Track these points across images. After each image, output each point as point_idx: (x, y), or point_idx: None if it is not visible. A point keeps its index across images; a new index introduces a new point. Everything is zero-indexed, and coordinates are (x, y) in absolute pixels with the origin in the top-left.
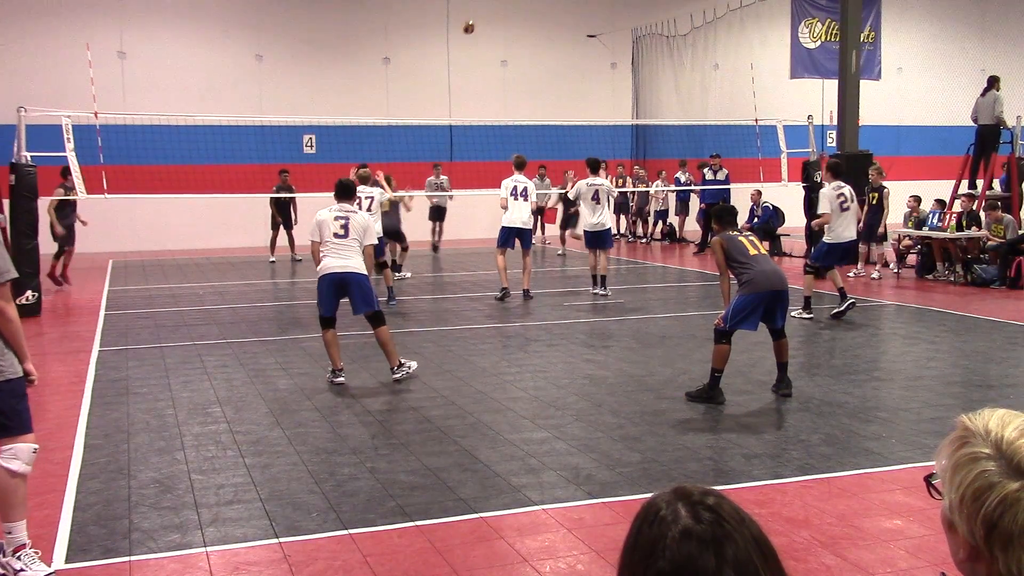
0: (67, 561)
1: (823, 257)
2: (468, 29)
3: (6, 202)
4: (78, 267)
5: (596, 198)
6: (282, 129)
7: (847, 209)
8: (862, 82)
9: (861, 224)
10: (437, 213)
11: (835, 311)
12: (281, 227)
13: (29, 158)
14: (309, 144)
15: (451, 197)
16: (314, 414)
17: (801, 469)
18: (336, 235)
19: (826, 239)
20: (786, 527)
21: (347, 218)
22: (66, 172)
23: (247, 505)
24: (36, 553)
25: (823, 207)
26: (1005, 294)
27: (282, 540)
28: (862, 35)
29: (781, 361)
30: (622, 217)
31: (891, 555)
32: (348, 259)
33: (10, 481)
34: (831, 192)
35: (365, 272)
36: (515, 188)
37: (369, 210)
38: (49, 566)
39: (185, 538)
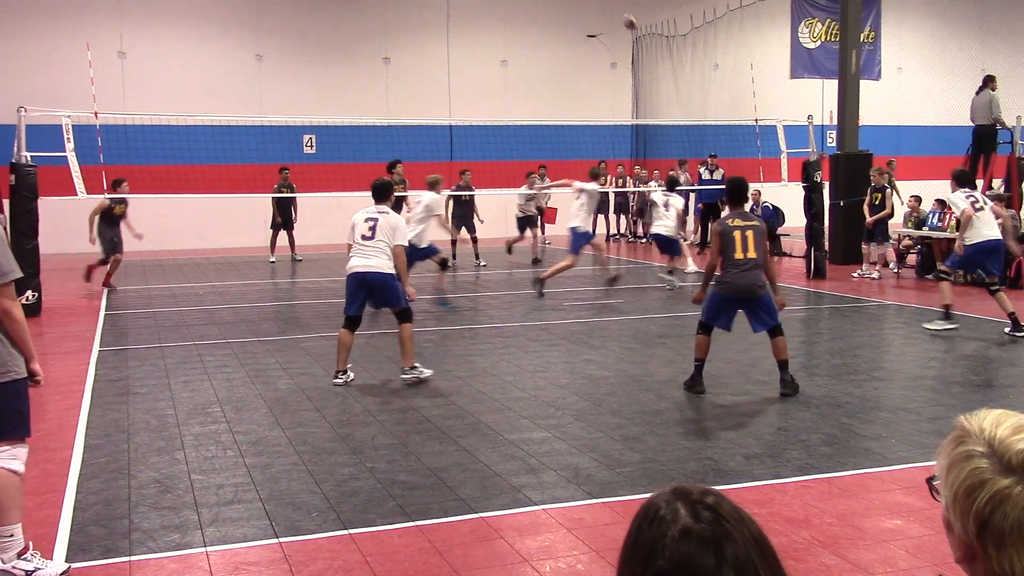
0: (67, 561)
1: (964, 261)
2: (631, 25)
3: (6, 202)
4: (78, 267)
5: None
6: (282, 129)
7: (981, 209)
8: (862, 82)
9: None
10: (531, 220)
11: (1011, 332)
12: (281, 227)
13: (29, 158)
14: (309, 144)
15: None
16: (314, 414)
17: (801, 469)
18: (363, 236)
19: (967, 241)
20: (786, 527)
21: (376, 219)
22: (118, 183)
23: (247, 505)
24: (37, 553)
25: (960, 206)
26: (1005, 294)
27: (282, 540)
28: (862, 35)
29: (779, 359)
30: (622, 217)
31: (891, 555)
32: (371, 259)
33: (14, 481)
34: (961, 194)
35: (390, 271)
36: None
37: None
38: (51, 561)
39: (185, 538)
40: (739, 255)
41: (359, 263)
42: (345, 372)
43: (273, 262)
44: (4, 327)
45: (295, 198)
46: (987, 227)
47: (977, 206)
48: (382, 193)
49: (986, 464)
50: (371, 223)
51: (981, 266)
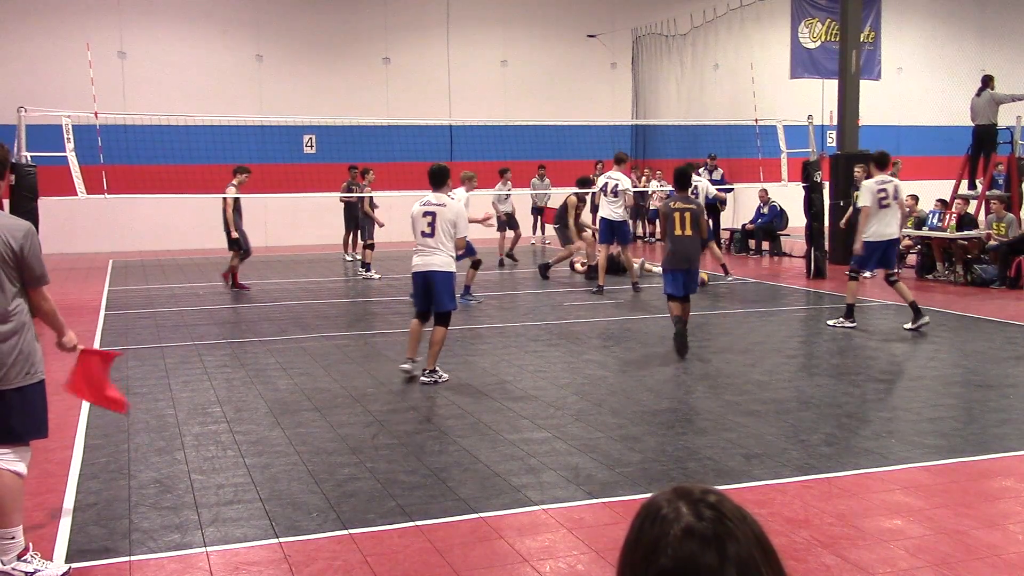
0: (67, 561)
1: (862, 258)
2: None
3: (6, 202)
4: (77, 267)
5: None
6: (282, 129)
7: (887, 206)
8: (862, 82)
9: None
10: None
11: (909, 326)
12: (355, 225)
13: (29, 158)
14: (309, 144)
15: (548, 197)
16: (314, 414)
17: (801, 469)
18: (423, 233)
19: (865, 237)
20: (786, 527)
21: (434, 213)
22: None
23: (247, 505)
24: (37, 554)
25: (864, 200)
26: (1005, 294)
27: (282, 540)
28: (862, 35)
29: (685, 318)
30: None
31: (891, 555)
32: (431, 256)
33: (17, 484)
34: (873, 185)
35: (449, 270)
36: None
37: None
38: (51, 562)
39: (185, 538)
40: (678, 232)
41: (420, 262)
42: (414, 360)
43: (350, 260)
44: (40, 315)
45: (362, 197)
46: (887, 225)
47: (885, 202)
48: (440, 179)
49: None
50: (429, 217)
51: (878, 263)
